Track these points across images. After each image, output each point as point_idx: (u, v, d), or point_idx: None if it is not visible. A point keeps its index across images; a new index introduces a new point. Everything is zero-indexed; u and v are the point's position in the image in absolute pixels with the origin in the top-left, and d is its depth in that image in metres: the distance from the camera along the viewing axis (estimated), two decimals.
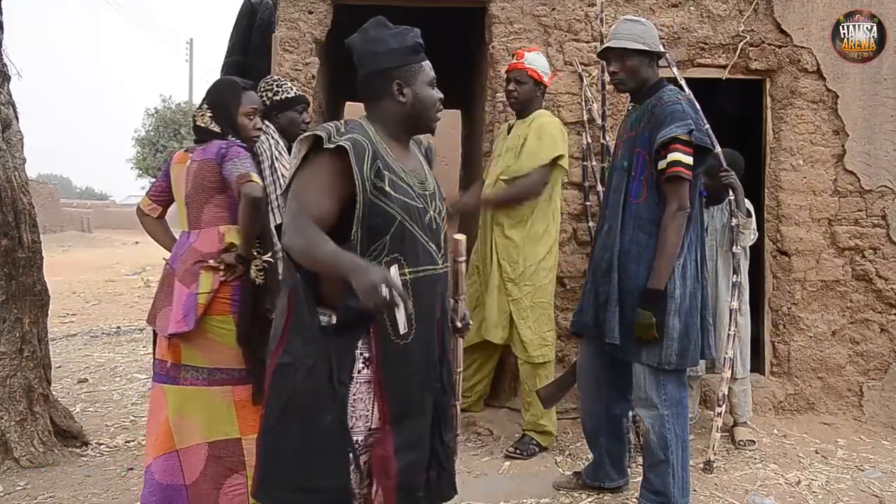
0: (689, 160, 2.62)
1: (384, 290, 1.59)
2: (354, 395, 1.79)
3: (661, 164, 2.65)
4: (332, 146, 1.75)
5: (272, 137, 3.02)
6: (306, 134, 1.81)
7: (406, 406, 1.84)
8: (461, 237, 2.22)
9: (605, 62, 3.05)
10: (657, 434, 2.74)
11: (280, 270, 2.69)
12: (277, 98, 3.08)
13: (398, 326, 1.67)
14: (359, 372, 1.79)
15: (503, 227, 3.51)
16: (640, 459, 3.38)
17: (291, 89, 3.14)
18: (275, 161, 2.97)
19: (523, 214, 3.47)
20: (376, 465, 1.83)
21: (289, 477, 1.77)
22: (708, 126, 3.15)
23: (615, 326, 2.72)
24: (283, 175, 2.99)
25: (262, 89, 3.12)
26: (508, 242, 3.48)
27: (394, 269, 1.74)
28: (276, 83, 3.13)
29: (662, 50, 2.85)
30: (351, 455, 1.78)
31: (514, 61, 3.53)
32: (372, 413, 1.81)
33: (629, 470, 3.19)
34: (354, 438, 1.79)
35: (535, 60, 3.52)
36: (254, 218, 2.57)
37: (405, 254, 1.83)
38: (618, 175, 2.84)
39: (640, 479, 3.17)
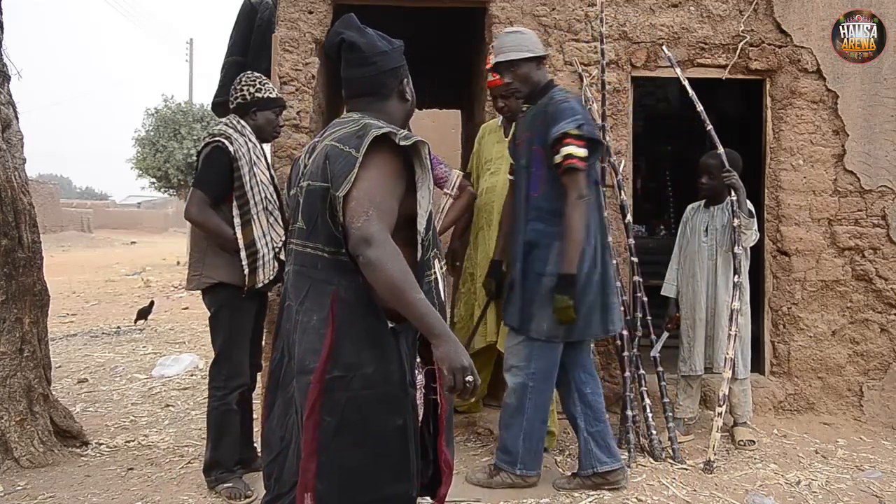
0: (581, 152, 2.84)
1: (470, 378, 1.63)
2: (417, 401, 1.80)
3: (557, 159, 2.85)
4: (408, 143, 1.72)
5: (250, 140, 3.00)
6: (375, 132, 1.72)
7: None
8: (457, 172, 2.71)
9: (497, 75, 3.16)
10: (517, 398, 3.00)
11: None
12: (260, 95, 3.05)
13: None
14: (416, 379, 1.80)
15: None
16: (640, 459, 3.39)
17: (273, 90, 3.13)
18: (253, 166, 2.97)
19: None
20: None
21: (354, 493, 1.71)
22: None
23: (515, 312, 3.00)
24: (261, 181, 2.98)
25: (244, 83, 3.07)
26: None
27: (437, 264, 1.82)
28: (259, 80, 3.10)
29: (545, 52, 3.06)
30: (418, 458, 1.77)
31: (490, 79, 3.42)
32: (423, 417, 1.86)
33: (628, 470, 3.19)
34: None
35: None
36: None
37: (437, 248, 1.89)
38: (518, 174, 3.08)
39: (640, 478, 3.18)
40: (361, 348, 1.70)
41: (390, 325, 1.71)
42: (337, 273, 1.72)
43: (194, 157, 16.87)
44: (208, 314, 3.08)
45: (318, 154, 1.80)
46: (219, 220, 2.93)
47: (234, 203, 2.92)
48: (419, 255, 1.77)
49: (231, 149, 2.92)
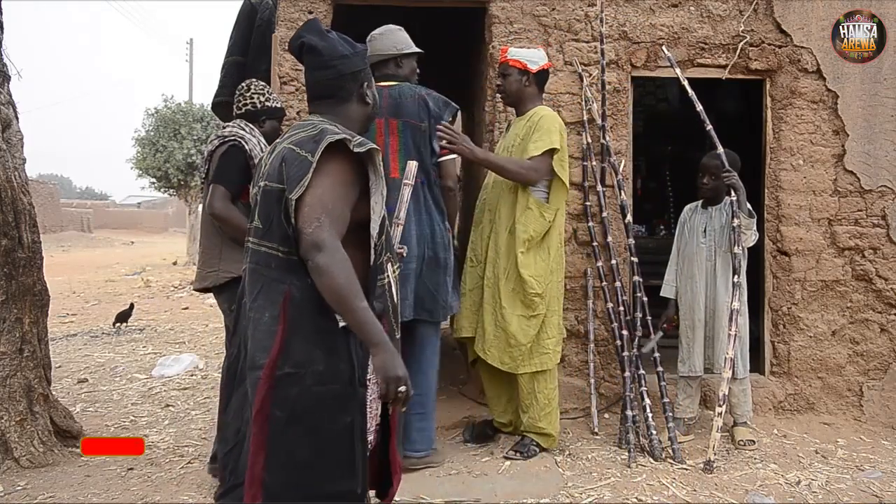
0: None
1: (402, 389, 1.68)
2: (370, 395, 1.82)
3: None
4: (362, 150, 1.76)
5: (260, 141, 3.12)
6: (330, 138, 1.75)
7: None
8: (412, 163, 2.58)
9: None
10: None
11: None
12: (269, 105, 3.20)
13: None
14: (370, 375, 1.81)
15: (519, 256, 3.36)
16: (640, 459, 3.39)
17: (279, 99, 3.29)
18: None
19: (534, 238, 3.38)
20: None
21: (300, 486, 1.73)
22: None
23: None
24: None
25: (254, 92, 3.19)
26: (528, 262, 3.36)
27: (389, 267, 1.84)
28: (266, 89, 3.24)
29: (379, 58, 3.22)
30: (366, 455, 1.79)
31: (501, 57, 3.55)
32: (379, 410, 1.88)
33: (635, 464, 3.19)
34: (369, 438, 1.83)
35: (520, 52, 3.48)
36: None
37: (390, 251, 1.91)
38: None
39: (640, 478, 3.18)
40: (312, 346, 1.73)
41: (341, 324, 1.74)
42: (290, 273, 1.75)
43: (195, 158, 16.96)
44: (221, 315, 3.11)
45: (275, 156, 1.83)
46: (241, 215, 2.98)
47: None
48: (372, 259, 1.81)
49: (247, 147, 3.03)
